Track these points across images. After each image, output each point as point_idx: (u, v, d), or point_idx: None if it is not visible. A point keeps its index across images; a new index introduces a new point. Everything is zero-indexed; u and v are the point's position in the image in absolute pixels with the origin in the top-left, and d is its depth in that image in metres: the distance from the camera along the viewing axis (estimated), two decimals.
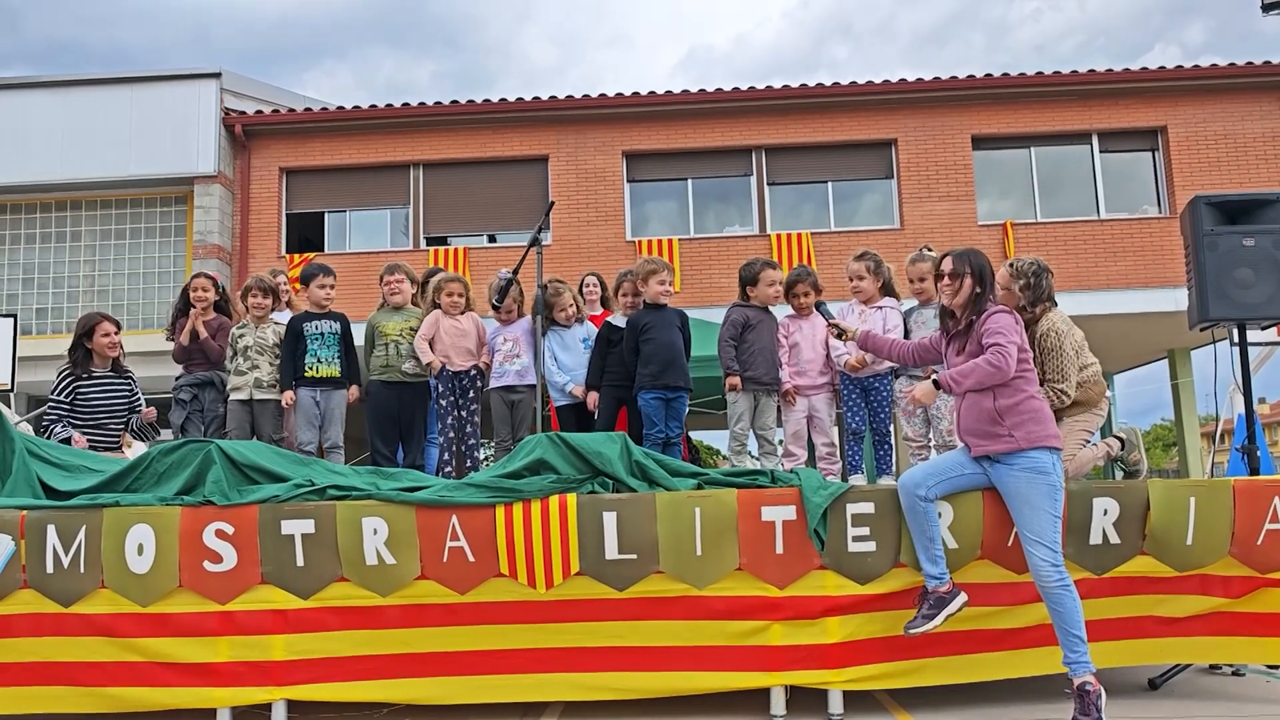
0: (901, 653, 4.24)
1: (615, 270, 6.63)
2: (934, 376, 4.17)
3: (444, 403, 6.00)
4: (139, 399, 6.05)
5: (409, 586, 4.28)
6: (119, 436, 5.92)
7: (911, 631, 4.08)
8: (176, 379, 6.14)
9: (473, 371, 6.06)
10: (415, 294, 6.38)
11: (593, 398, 5.89)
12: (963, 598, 4.07)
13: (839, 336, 4.81)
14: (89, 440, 5.75)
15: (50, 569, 4.30)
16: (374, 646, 4.28)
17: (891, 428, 5.69)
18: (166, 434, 6.00)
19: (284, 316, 6.30)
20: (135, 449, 5.90)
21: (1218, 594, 4.39)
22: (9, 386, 9.72)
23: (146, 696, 4.23)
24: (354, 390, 6.11)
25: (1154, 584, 4.37)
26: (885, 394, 5.56)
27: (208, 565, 4.29)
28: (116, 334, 5.93)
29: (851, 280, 5.67)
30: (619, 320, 6.03)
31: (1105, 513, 4.32)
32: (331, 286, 6.16)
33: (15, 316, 10.25)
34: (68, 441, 5.54)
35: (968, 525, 4.25)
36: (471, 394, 6.05)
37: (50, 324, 15.16)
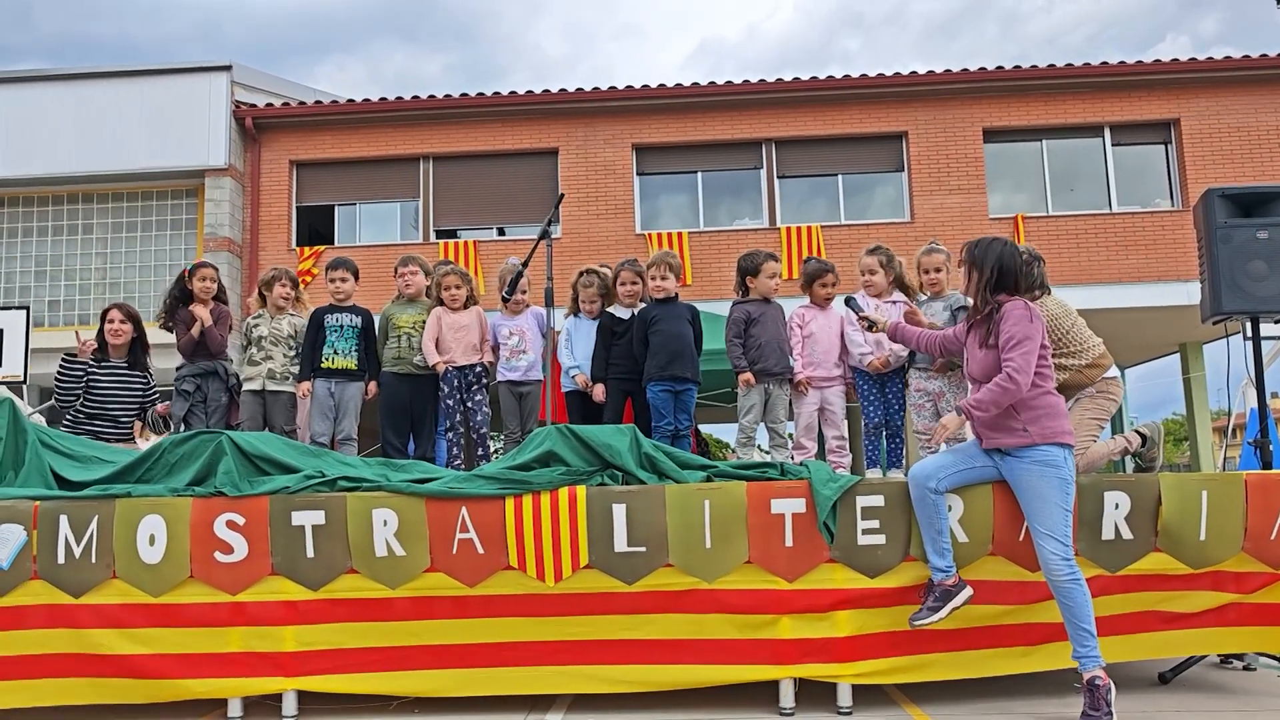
0: (910, 647, 4.23)
1: None
2: (958, 405, 4.19)
3: (450, 402, 6.00)
4: (154, 394, 6.06)
5: (418, 579, 4.29)
6: (130, 428, 5.93)
7: (916, 624, 4.07)
8: (178, 369, 6.15)
9: (478, 368, 6.06)
10: (429, 285, 6.39)
11: (599, 390, 5.89)
12: (968, 591, 4.06)
13: (869, 329, 4.81)
14: (96, 430, 5.76)
15: (62, 559, 4.31)
16: (383, 638, 4.29)
17: (904, 421, 5.68)
18: None
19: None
20: (151, 441, 5.92)
21: (1230, 591, 4.36)
22: (21, 378, 9.75)
23: (158, 687, 4.25)
24: (372, 386, 6.13)
25: (1167, 581, 4.33)
26: (900, 388, 5.56)
27: (219, 556, 4.31)
28: (122, 323, 5.94)
29: (864, 275, 5.65)
30: (620, 311, 6.01)
31: (1116, 506, 4.29)
32: (343, 280, 6.19)
33: (28, 309, 10.27)
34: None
35: (978, 519, 4.23)
36: (476, 388, 6.05)
37: (62, 316, 15.23)
